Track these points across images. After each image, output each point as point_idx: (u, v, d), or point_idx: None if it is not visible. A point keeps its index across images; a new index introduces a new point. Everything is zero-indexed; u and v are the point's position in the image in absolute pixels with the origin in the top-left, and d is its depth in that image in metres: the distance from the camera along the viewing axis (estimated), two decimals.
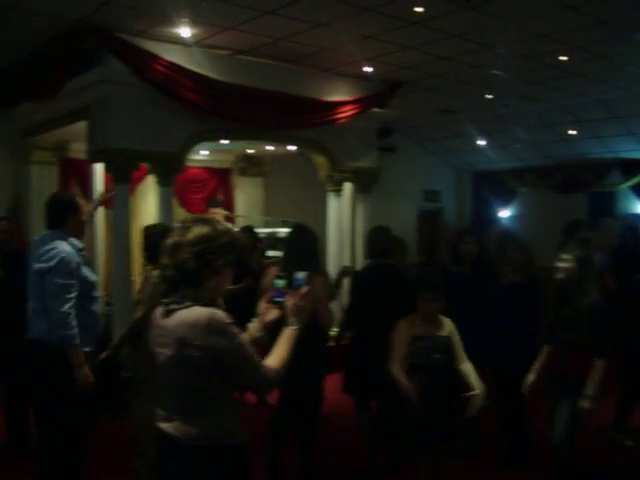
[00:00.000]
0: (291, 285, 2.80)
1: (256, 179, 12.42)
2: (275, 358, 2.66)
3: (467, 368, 4.43)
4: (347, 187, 9.95)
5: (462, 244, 5.96)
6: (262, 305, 2.87)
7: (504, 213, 15.24)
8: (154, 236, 4.43)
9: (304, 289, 2.77)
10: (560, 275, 4.61)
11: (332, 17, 7.26)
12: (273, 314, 2.84)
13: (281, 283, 2.83)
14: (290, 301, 2.76)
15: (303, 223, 5.41)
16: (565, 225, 8.62)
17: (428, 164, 15.20)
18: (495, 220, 15.16)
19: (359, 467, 5.45)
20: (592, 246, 7.80)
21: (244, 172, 12.32)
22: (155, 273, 4.00)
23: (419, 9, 6.89)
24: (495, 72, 9.50)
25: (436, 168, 15.46)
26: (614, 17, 7.23)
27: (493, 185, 15.25)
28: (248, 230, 8.22)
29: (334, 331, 9.51)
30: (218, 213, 10.24)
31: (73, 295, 4.25)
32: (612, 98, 11.02)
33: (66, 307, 4.18)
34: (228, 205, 11.91)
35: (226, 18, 7.35)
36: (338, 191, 9.91)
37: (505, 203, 15.24)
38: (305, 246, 5.02)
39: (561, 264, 4.60)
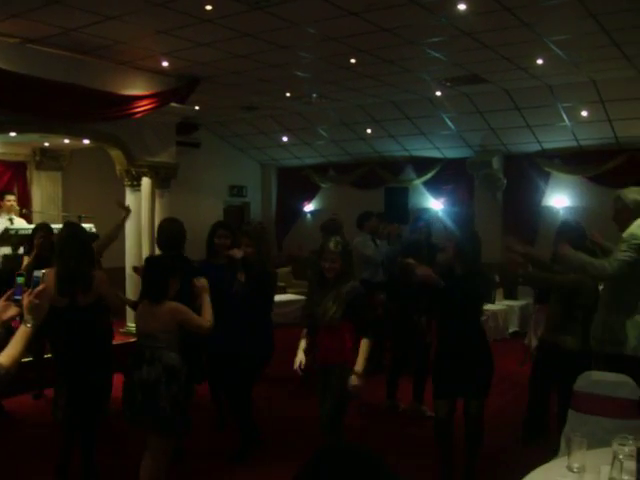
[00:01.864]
0: (29, 283, 2.80)
1: (53, 173, 11.91)
2: (6, 354, 2.63)
3: None
4: (145, 182, 9.82)
5: (216, 237, 6.01)
6: (0, 302, 2.83)
7: (308, 207, 15.71)
8: None
9: (40, 287, 2.78)
10: (329, 275, 4.77)
11: (123, 10, 7.16)
12: (12, 311, 2.81)
13: (20, 280, 2.83)
14: (26, 299, 2.75)
15: (72, 221, 5.36)
16: (358, 216, 9.01)
17: (234, 159, 15.36)
18: (301, 213, 15.60)
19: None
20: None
21: (41, 166, 11.78)
22: None
23: (209, 7, 6.97)
24: (294, 72, 9.80)
25: (242, 163, 15.65)
26: (397, 25, 7.69)
27: (297, 180, 15.69)
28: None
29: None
30: (12, 200, 9.78)
31: None
32: (403, 100, 11.71)
33: None
34: (24, 200, 11.35)
35: (12, 5, 7.02)
36: (136, 186, 9.77)
37: (309, 197, 15.72)
38: (75, 245, 4.97)
39: (327, 264, 4.76)
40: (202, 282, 4.65)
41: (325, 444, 4.29)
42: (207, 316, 4.52)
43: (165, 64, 9.29)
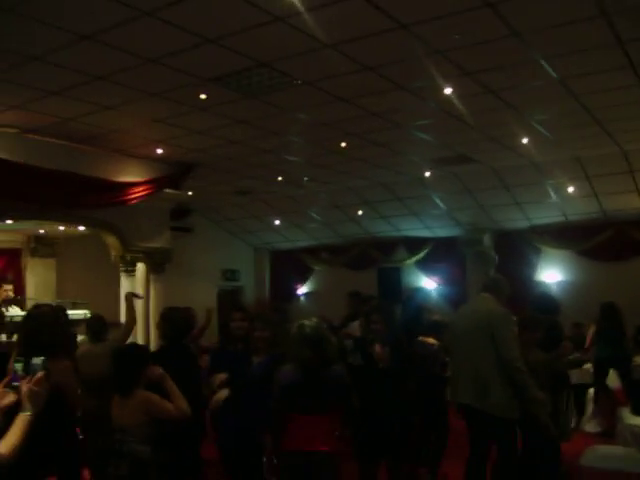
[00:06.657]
0: (27, 369, 2.78)
1: (48, 260, 12.03)
2: (6, 443, 2.59)
3: None
4: (140, 267, 9.89)
5: (232, 322, 5.74)
6: None
7: (301, 289, 15.74)
8: None
9: (39, 374, 2.75)
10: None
11: (119, 100, 7.36)
12: (9, 398, 2.75)
13: (18, 367, 2.80)
14: (25, 386, 2.71)
15: (48, 304, 5.22)
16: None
17: (226, 243, 15.44)
18: (294, 296, 15.60)
19: None
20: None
21: (35, 253, 11.90)
22: None
23: (203, 96, 7.18)
24: (285, 156, 9.99)
25: (234, 247, 15.73)
26: (386, 109, 7.91)
27: (290, 263, 15.76)
28: None
29: None
30: (8, 290, 9.83)
31: None
32: (392, 181, 11.90)
33: None
34: (18, 287, 11.37)
35: (10, 96, 7.22)
36: (131, 271, 9.83)
37: (302, 280, 15.77)
38: (46, 328, 4.32)
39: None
40: (156, 370, 4.29)
41: None
42: (178, 402, 4.17)
43: (160, 151, 9.47)
